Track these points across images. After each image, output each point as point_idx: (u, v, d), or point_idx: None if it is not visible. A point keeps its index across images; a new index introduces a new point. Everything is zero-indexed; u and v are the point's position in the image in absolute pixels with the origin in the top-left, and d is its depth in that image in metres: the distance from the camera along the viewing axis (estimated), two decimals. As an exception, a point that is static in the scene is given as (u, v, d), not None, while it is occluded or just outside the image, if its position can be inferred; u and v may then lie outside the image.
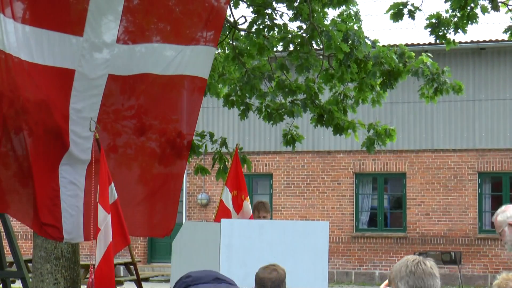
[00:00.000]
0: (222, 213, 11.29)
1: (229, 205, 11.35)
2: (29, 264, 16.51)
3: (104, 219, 9.29)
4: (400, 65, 12.33)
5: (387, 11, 12.37)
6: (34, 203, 9.58)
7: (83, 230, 9.53)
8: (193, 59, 10.49)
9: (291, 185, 24.84)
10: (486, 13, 12.00)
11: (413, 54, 12.62)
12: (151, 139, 10.93)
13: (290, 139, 13.42)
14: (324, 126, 12.80)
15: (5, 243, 14.65)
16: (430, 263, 4.26)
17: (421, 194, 23.89)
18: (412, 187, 23.99)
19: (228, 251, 8.17)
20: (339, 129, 12.75)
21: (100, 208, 9.26)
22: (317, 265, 8.84)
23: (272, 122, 12.85)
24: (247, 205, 11.61)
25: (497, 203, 23.84)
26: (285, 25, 12.06)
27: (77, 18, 9.67)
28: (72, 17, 9.73)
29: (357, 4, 12.60)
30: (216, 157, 13.41)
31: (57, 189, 9.87)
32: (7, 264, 15.31)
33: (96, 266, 9.47)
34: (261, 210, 10.50)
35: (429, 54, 12.85)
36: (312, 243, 8.80)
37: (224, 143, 13.52)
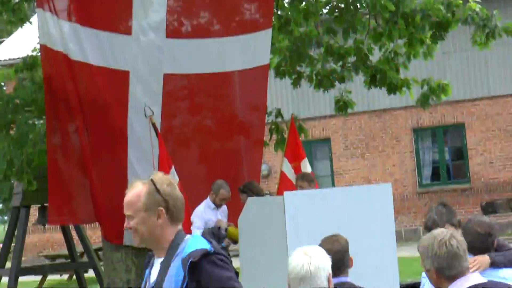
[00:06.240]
0: (285, 185, 11.29)
1: (291, 176, 11.35)
2: (99, 252, 16.75)
3: (166, 203, 9.36)
4: (449, 15, 12.15)
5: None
6: (98, 211, 9.72)
7: None
8: (250, 50, 10.51)
9: (350, 147, 24.71)
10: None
11: (461, 1, 12.41)
12: (206, 117, 10.99)
13: (342, 106, 13.35)
14: (378, 86, 12.72)
15: (74, 233, 14.87)
16: (457, 241, 4.24)
17: (482, 142, 23.60)
18: (472, 136, 23.71)
19: (294, 224, 8.17)
20: (393, 88, 12.65)
21: (161, 192, 9.34)
22: (384, 228, 8.81)
23: (323, 89, 12.80)
24: (304, 165, 11.61)
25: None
26: (328, -12, 11.97)
27: (123, 12, 9.69)
28: (117, 12, 9.74)
29: None
30: (272, 128, 13.41)
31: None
32: (78, 254, 15.54)
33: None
34: (298, 180, 10.50)
35: (476, 0, 12.64)
36: (377, 207, 8.75)
37: (279, 113, 13.51)
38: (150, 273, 4.05)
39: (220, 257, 3.87)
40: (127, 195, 4.02)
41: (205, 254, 3.82)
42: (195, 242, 3.90)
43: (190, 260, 3.79)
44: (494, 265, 5.45)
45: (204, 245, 3.87)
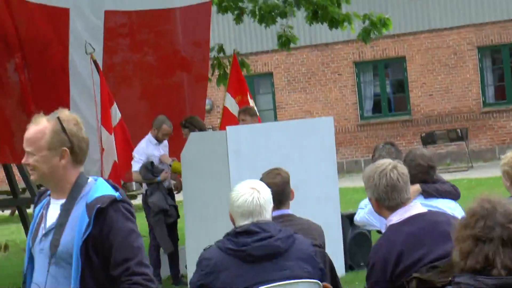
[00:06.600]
0: (227, 120, 11.35)
1: (234, 110, 11.40)
2: (42, 188, 16.72)
3: (107, 139, 9.40)
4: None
5: None
6: None
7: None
8: None
9: (292, 81, 24.83)
10: None
11: None
12: (148, 53, 10.99)
13: (285, 41, 13.38)
14: (320, 22, 12.75)
15: (15, 170, 14.77)
16: (398, 172, 4.32)
17: (423, 75, 23.89)
18: (413, 69, 23.97)
19: (237, 158, 8.28)
20: (334, 23, 12.69)
21: (102, 129, 9.36)
22: (326, 160, 8.97)
23: (265, 24, 12.80)
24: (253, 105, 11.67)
25: (498, 75, 23.89)
26: None
27: None
28: None
29: None
30: (214, 63, 13.42)
31: None
32: (20, 190, 15.47)
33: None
34: (240, 114, 10.54)
35: None
36: (319, 140, 8.90)
37: (221, 49, 13.52)
38: (46, 214, 3.72)
39: (126, 206, 3.63)
40: (28, 130, 3.69)
41: (113, 201, 3.59)
42: (101, 187, 3.66)
43: (98, 206, 3.56)
44: (425, 194, 5.65)
45: (111, 191, 3.63)
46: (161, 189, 10.19)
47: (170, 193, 10.43)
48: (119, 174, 9.71)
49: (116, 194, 3.62)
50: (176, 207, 10.27)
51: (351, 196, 15.07)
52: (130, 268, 3.53)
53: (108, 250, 3.57)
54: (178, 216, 10.31)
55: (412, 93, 24.00)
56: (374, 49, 23.96)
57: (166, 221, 10.14)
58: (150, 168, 10.08)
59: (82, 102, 9.72)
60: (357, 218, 6.20)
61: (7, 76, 9.59)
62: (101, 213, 3.56)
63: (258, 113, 11.03)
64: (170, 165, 10.29)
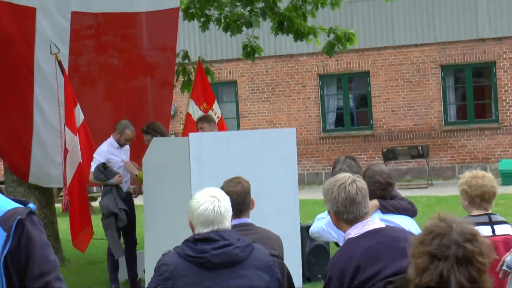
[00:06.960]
0: (190, 126, 11.34)
1: (197, 117, 11.37)
2: (1, 186, 16.54)
3: (72, 140, 9.36)
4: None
5: None
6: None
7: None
8: None
9: (256, 91, 24.88)
10: None
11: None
12: (113, 56, 10.96)
13: (250, 51, 13.39)
14: (285, 33, 12.80)
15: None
16: (357, 187, 4.35)
17: (386, 91, 24.06)
18: (376, 84, 24.13)
19: (198, 165, 8.27)
20: (300, 35, 12.74)
21: (67, 129, 9.32)
22: (287, 171, 8.98)
23: (230, 33, 12.81)
24: (212, 114, 11.64)
25: (460, 95, 24.13)
26: None
27: None
28: None
29: None
30: (179, 69, 13.41)
31: (30, 134, 9.87)
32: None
33: (68, 186, 9.54)
34: (198, 122, 10.50)
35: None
36: (281, 150, 8.91)
37: (186, 56, 13.51)
38: None
39: (38, 219, 3.47)
40: None
41: (29, 213, 3.39)
42: (6, 201, 3.40)
43: (19, 217, 3.34)
44: (383, 210, 5.70)
45: (15, 204, 3.39)
46: (113, 192, 9.99)
47: (129, 197, 10.29)
48: (84, 176, 9.67)
49: (31, 205, 3.44)
50: (127, 211, 10.08)
51: (311, 208, 15.12)
52: (50, 283, 3.39)
53: (25, 264, 3.40)
54: (128, 221, 10.10)
55: (375, 108, 24.16)
56: (339, 63, 24.10)
57: (117, 224, 9.98)
58: (102, 170, 9.90)
59: (46, 102, 9.68)
60: (313, 228, 6.20)
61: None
62: (18, 226, 3.37)
63: (223, 120, 11.01)
64: (136, 175, 10.14)
